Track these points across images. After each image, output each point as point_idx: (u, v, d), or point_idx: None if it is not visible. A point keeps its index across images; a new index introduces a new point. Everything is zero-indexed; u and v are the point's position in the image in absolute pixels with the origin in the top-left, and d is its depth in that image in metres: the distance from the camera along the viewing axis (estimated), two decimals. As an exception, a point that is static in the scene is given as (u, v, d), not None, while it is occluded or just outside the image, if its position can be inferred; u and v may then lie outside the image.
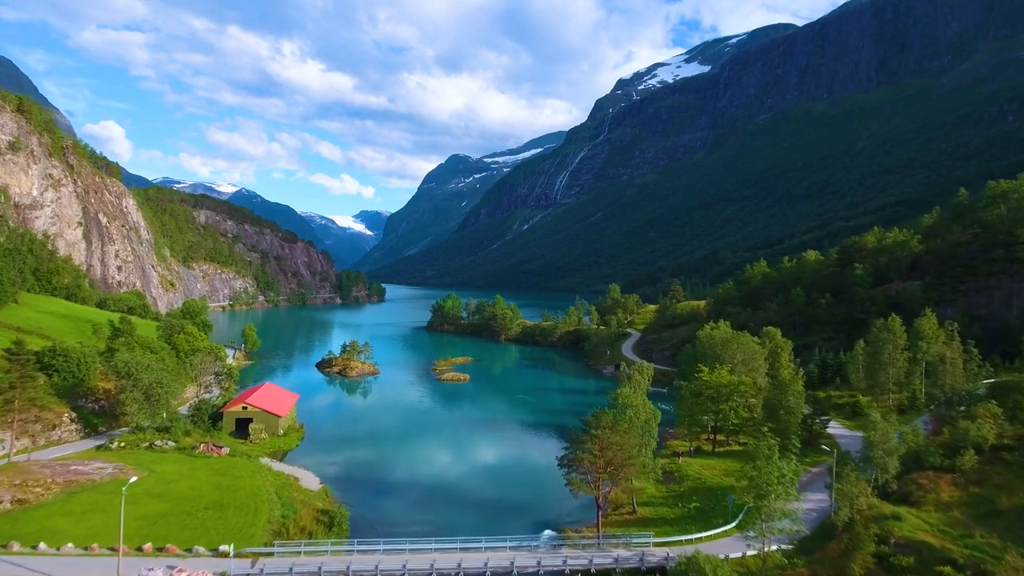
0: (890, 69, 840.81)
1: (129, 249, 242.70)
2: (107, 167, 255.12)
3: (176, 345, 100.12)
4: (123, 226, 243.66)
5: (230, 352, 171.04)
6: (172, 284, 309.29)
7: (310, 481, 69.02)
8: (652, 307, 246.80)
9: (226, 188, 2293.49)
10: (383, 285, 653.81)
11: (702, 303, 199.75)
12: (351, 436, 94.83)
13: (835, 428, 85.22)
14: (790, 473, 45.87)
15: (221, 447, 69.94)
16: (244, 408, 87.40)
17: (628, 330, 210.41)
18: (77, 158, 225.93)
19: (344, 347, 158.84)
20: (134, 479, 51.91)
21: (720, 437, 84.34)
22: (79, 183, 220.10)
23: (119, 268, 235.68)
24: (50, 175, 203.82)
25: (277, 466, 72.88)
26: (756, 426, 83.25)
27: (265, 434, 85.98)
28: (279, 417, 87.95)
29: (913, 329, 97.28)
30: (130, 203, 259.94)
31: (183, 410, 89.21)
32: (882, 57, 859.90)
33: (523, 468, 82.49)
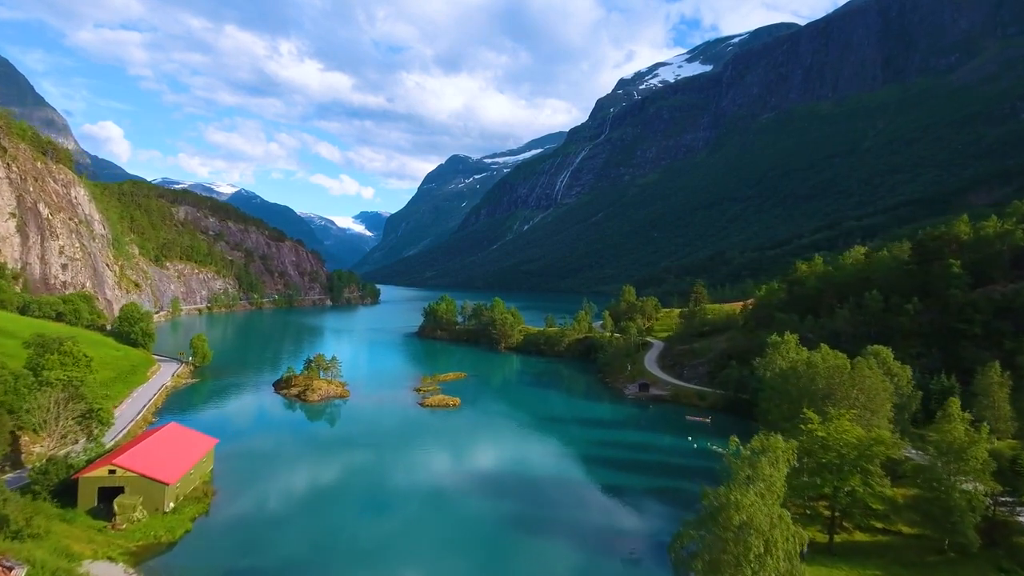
0: (896, 67, 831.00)
1: (77, 245, 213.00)
2: (54, 152, 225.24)
3: (42, 372, 70.38)
4: (70, 219, 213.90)
5: (173, 367, 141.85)
6: (137, 285, 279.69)
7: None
8: (672, 311, 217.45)
9: (225, 188, 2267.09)
10: (381, 286, 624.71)
11: (737, 307, 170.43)
12: (278, 507, 64.89)
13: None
14: None
15: (12, 567, 40.65)
16: (111, 472, 57.86)
17: (648, 339, 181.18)
18: (13, 140, 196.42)
19: (308, 362, 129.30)
20: None
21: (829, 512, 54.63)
22: (14, 168, 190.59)
23: (64, 266, 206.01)
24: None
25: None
26: (899, 511, 53.92)
27: (141, 512, 56.40)
28: (166, 485, 58.36)
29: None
30: (80, 193, 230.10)
31: (10, 479, 59.44)
32: (887, 55, 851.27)
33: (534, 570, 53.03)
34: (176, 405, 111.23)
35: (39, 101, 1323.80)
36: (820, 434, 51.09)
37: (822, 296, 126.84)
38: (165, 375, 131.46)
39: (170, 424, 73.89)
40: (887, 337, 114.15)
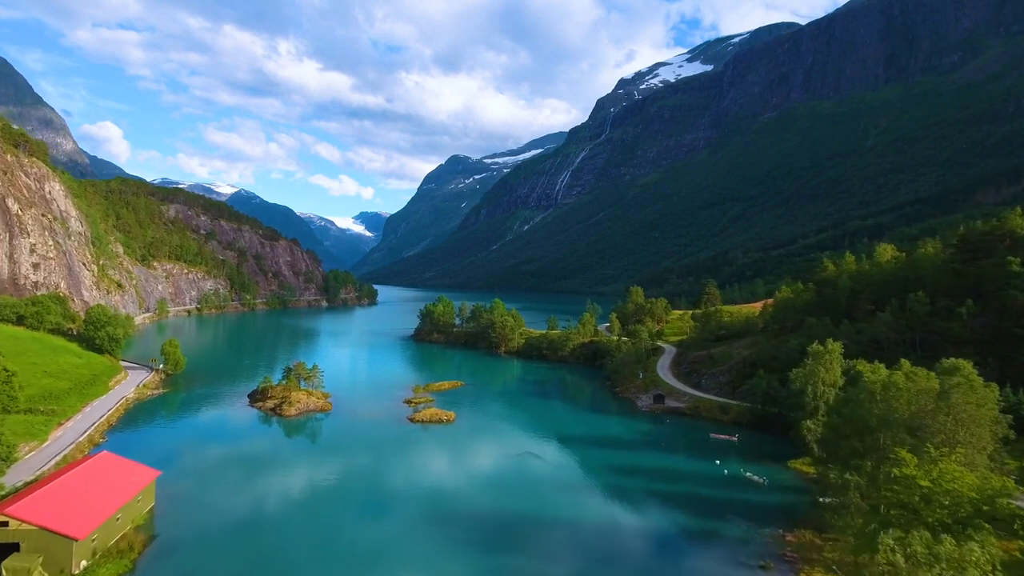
0: (898, 66, 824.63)
1: (51, 243, 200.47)
2: (27, 144, 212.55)
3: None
4: (43, 215, 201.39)
5: (142, 376, 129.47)
6: (120, 286, 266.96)
7: None
8: (684, 313, 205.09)
9: (225, 189, 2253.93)
10: (380, 286, 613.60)
11: (755, 308, 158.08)
12: (227, 562, 51.98)
13: None
14: None
15: None
16: (2, 524, 45.38)
17: (659, 343, 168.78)
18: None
19: (287, 371, 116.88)
20: None
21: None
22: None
23: (35, 266, 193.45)
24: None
25: None
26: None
27: (40, 574, 43.90)
28: (74, 540, 45.86)
29: None
30: (56, 188, 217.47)
31: None
32: (890, 54, 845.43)
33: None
34: (133, 422, 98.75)
35: (37, 101, 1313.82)
36: (923, 483, 38.55)
37: (856, 298, 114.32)
38: (129, 385, 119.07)
39: (101, 454, 61.43)
40: (935, 345, 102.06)
